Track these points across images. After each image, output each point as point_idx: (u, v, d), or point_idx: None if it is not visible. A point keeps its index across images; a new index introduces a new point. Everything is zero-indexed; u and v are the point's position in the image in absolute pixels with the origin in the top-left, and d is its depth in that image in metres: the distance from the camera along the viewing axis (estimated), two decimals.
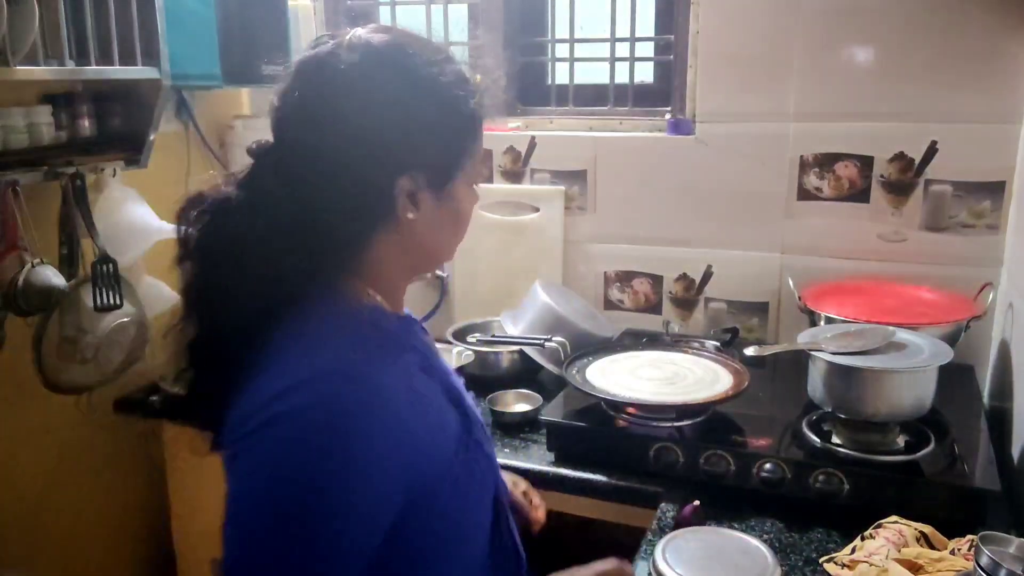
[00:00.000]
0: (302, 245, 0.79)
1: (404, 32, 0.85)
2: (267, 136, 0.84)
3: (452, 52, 0.87)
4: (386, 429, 0.72)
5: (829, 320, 1.60)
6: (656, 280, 2.01)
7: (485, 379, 1.77)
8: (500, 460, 1.04)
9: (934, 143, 1.73)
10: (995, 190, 1.71)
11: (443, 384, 0.86)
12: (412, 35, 0.85)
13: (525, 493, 1.19)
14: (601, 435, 1.45)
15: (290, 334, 0.78)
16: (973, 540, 1.10)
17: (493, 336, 1.85)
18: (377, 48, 0.80)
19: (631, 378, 1.53)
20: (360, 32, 0.82)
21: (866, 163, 1.79)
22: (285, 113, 0.82)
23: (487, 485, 0.90)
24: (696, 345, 1.74)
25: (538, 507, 1.18)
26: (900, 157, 1.76)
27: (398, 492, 0.74)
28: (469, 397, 0.93)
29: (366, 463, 0.71)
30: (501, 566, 0.93)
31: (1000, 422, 1.54)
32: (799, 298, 1.74)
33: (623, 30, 2.03)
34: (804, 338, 1.42)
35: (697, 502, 1.23)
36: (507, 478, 1.09)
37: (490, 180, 2.07)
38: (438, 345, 1.03)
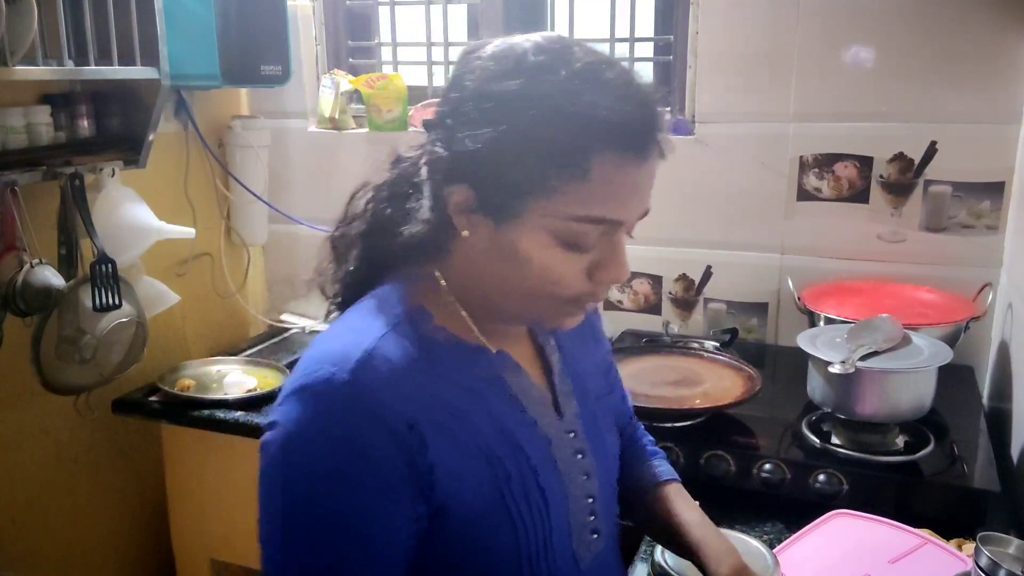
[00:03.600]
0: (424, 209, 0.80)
1: (553, 42, 0.73)
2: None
3: (598, 83, 0.70)
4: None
5: (829, 320, 1.60)
6: (656, 280, 2.01)
7: None
8: None
9: (934, 143, 1.73)
10: (995, 190, 1.70)
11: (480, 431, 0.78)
12: (562, 45, 0.73)
13: None
14: None
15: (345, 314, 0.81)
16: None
17: None
18: (500, 47, 0.74)
19: (633, 381, 1.52)
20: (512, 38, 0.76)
21: (866, 163, 1.79)
22: None
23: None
24: (695, 346, 1.74)
25: None
26: (900, 157, 1.76)
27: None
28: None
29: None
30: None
31: (1000, 422, 1.54)
32: (798, 298, 1.74)
33: (623, 30, 2.03)
34: (804, 339, 1.42)
35: (697, 503, 1.23)
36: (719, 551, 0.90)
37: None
38: None
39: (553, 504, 0.81)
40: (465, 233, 0.76)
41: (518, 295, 0.76)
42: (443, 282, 0.81)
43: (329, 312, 0.90)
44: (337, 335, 0.76)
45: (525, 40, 0.74)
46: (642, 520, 1.01)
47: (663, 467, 1.03)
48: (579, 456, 0.87)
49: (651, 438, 1.09)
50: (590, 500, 0.87)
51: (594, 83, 0.71)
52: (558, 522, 0.82)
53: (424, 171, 0.79)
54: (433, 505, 0.73)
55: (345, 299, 0.87)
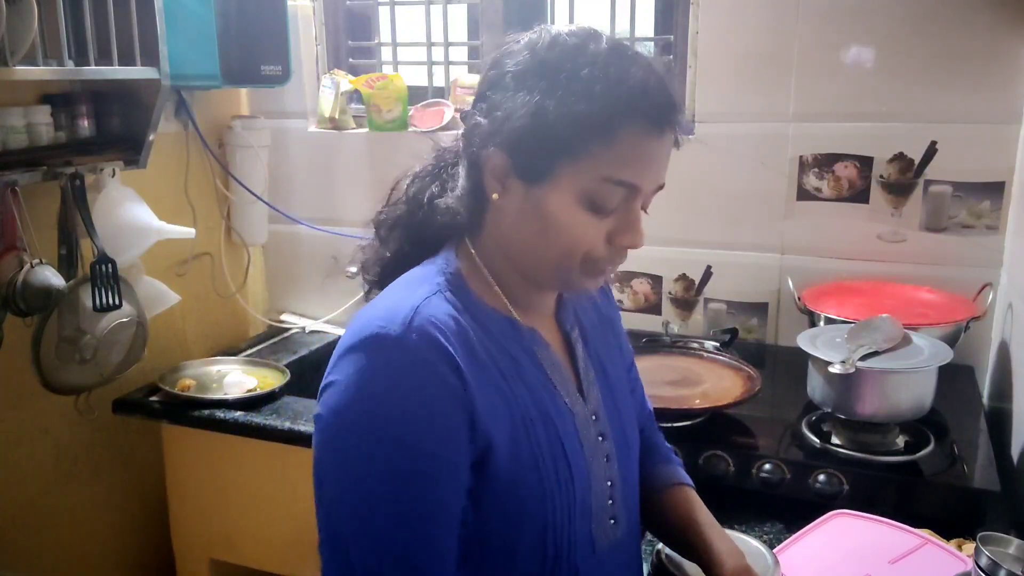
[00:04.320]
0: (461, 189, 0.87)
1: (584, 28, 0.81)
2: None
3: (625, 59, 0.78)
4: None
5: (829, 320, 1.60)
6: (655, 280, 2.01)
7: None
8: None
9: (934, 143, 1.72)
10: (995, 190, 1.70)
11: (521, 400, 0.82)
12: (592, 31, 0.80)
13: None
14: None
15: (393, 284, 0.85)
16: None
17: None
18: (536, 33, 0.81)
19: None
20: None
21: (866, 163, 1.79)
22: None
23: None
24: (695, 346, 1.74)
25: None
26: (900, 157, 1.76)
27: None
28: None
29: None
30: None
31: (1000, 422, 1.54)
32: (798, 299, 1.74)
33: (623, 30, 2.03)
34: (804, 339, 1.42)
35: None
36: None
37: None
38: None
39: (577, 478, 0.85)
40: (495, 196, 0.81)
41: (544, 256, 0.81)
42: (475, 254, 0.86)
43: (369, 292, 0.93)
44: (381, 301, 0.81)
45: (557, 26, 0.82)
46: (652, 518, 1.03)
47: (679, 471, 1.06)
48: (600, 439, 0.90)
49: (669, 446, 1.11)
50: (610, 484, 0.90)
51: (622, 59, 0.78)
52: (581, 500, 0.85)
53: (461, 145, 0.86)
54: (478, 448, 0.77)
55: (384, 279, 0.90)
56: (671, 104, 0.78)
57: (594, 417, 0.90)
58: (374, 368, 0.74)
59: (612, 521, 0.90)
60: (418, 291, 0.80)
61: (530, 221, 0.80)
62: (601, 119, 0.75)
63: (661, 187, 0.82)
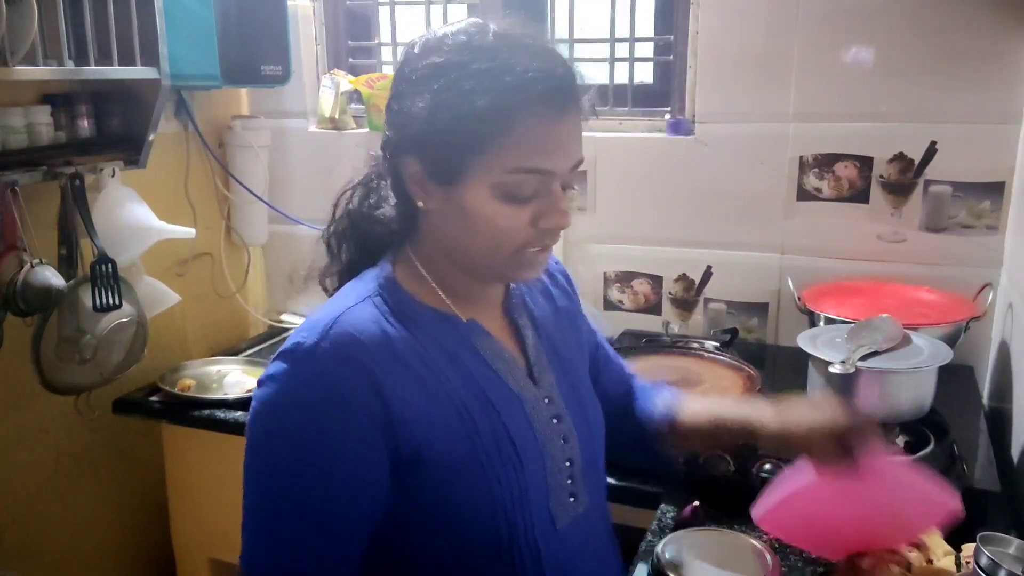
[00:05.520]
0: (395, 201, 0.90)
1: (471, 22, 0.82)
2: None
3: (511, 47, 0.79)
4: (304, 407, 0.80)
5: (829, 320, 1.60)
6: (656, 280, 2.01)
7: None
8: None
9: (934, 143, 1.73)
10: (995, 190, 1.70)
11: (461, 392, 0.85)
12: (478, 24, 0.81)
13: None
14: None
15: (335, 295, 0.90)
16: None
17: None
18: (427, 36, 0.83)
19: None
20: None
21: (866, 163, 1.79)
22: None
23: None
24: (695, 346, 1.74)
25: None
26: (900, 157, 1.76)
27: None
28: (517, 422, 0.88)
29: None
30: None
31: (1000, 422, 1.54)
32: (799, 299, 1.74)
33: (623, 30, 2.03)
34: (804, 339, 1.42)
35: (697, 503, 1.23)
36: None
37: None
38: None
39: (527, 459, 0.86)
40: (420, 203, 0.84)
41: (474, 252, 0.84)
42: (414, 257, 0.89)
43: None
44: (315, 312, 0.84)
45: (448, 25, 0.84)
46: (690, 443, 1.11)
47: (664, 396, 1.11)
48: (555, 420, 0.92)
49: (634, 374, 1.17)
50: (568, 463, 0.92)
51: (509, 48, 0.79)
52: (534, 479, 0.87)
53: (382, 157, 0.90)
54: (405, 451, 0.80)
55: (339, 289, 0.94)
56: (564, 83, 0.79)
57: (547, 400, 0.92)
58: (287, 378, 0.79)
59: (572, 499, 0.92)
60: (344, 301, 0.84)
61: (455, 221, 0.82)
62: (495, 111, 0.76)
63: (579, 164, 0.84)
